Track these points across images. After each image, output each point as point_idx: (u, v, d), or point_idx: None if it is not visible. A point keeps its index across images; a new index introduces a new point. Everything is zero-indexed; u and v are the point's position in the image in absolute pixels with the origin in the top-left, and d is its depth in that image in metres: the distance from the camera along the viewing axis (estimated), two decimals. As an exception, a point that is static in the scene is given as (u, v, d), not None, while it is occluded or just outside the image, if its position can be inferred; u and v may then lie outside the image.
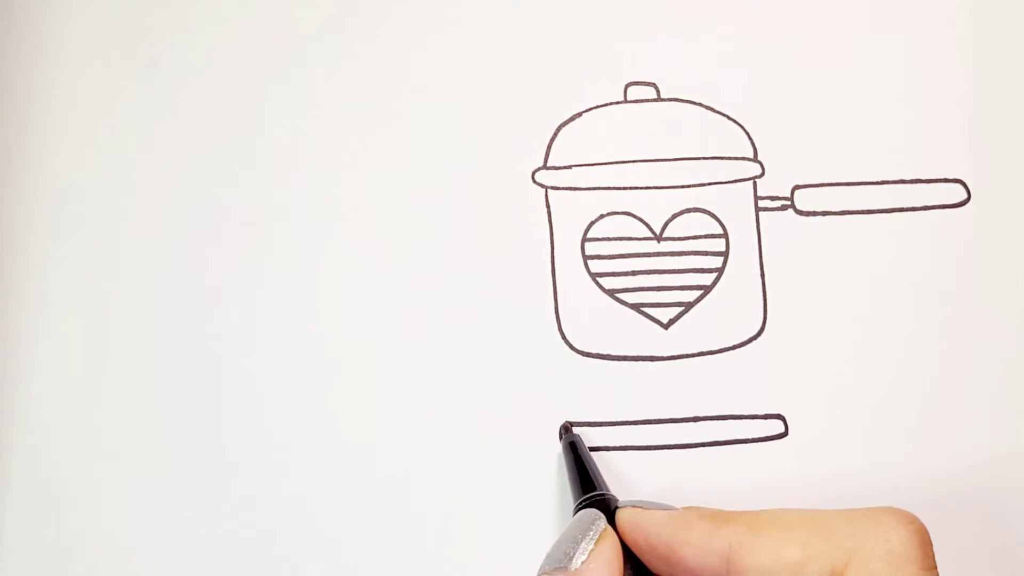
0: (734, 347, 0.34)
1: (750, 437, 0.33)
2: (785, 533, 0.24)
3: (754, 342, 0.34)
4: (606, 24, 0.35)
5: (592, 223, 0.34)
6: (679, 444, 0.33)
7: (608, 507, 0.29)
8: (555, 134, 0.35)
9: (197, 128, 0.35)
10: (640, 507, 0.27)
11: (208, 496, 0.33)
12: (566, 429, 0.33)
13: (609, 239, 0.34)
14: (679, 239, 0.34)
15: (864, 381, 0.33)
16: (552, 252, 0.34)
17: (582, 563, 0.26)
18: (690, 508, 0.27)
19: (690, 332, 0.34)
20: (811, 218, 0.34)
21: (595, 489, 0.30)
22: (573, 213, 0.34)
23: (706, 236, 0.34)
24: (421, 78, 0.35)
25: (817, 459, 0.33)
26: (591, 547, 0.26)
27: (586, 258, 0.34)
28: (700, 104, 0.35)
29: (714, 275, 0.34)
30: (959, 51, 0.35)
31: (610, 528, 0.27)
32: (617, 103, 0.35)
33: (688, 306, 0.34)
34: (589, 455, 0.31)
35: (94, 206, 0.34)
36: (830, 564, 0.23)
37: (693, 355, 0.33)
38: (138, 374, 0.33)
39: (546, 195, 0.34)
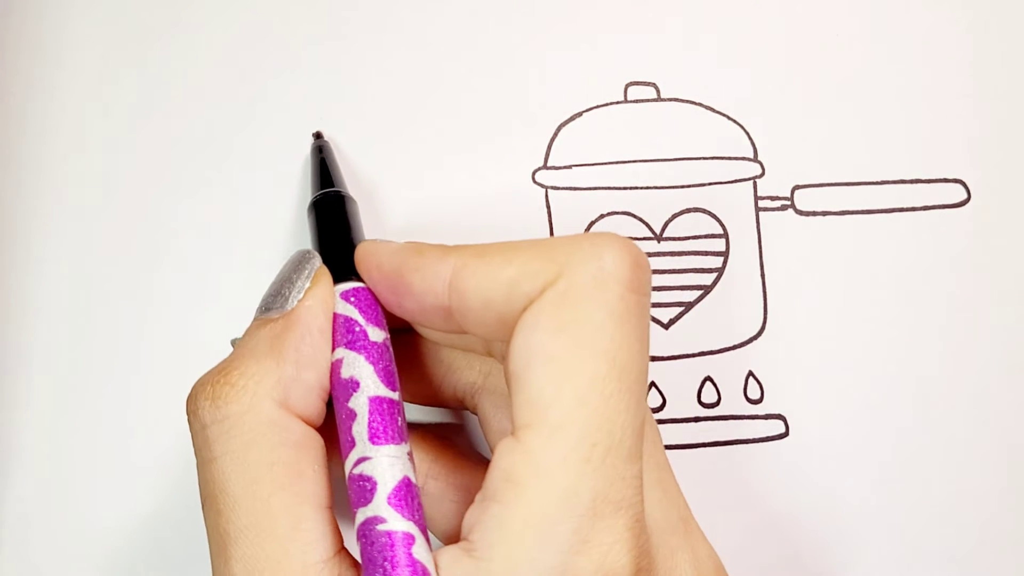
0: (734, 347, 0.34)
1: (750, 437, 0.33)
2: (506, 255, 0.24)
3: (754, 342, 0.34)
4: (606, 24, 0.35)
5: (592, 223, 0.34)
6: (679, 444, 0.33)
7: (343, 204, 0.29)
8: (555, 134, 0.35)
9: (196, 126, 0.35)
10: (380, 241, 0.27)
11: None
12: (317, 136, 0.33)
13: (609, 239, 0.34)
14: (679, 239, 0.34)
15: (864, 381, 0.33)
16: (552, 252, 0.34)
17: (298, 302, 0.25)
18: (427, 243, 0.27)
19: (690, 332, 0.34)
20: (811, 218, 0.34)
21: (333, 186, 0.30)
22: (573, 213, 0.34)
23: (706, 236, 0.34)
24: (420, 77, 0.35)
25: (817, 459, 0.33)
26: (307, 285, 0.26)
27: (586, 258, 0.34)
28: (700, 104, 0.35)
29: (714, 275, 0.34)
30: (959, 51, 0.35)
31: (324, 266, 0.27)
32: (617, 103, 0.35)
33: (688, 306, 0.34)
34: (336, 161, 0.32)
35: (93, 205, 0.34)
36: (543, 279, 0.23)
37: (693, 355, 0.33)
38: (139, 373, 0.33)
39: (546, 195, 0.34)
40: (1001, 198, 0.34)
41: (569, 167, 0.34)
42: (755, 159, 0.35)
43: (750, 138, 0.35)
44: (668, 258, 0.34)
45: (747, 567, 0.29)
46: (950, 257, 0.34)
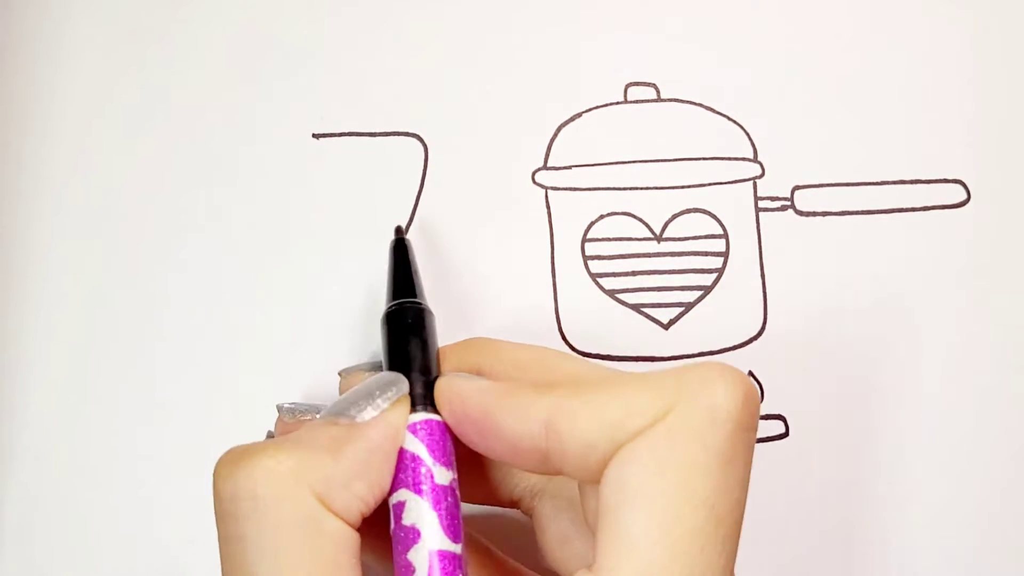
0: (734, 347, 0.34)
1: (750, 437, 0.33)
2: (607, 391, 0.23)
3: (754, 342, 0.34)
4: (606, 25, 0.35)
5: (592, 223, 0.34)
6: (679, 444, 0.33)
7: (423, 319, 0.27)
8: (555, 134, 0.35)
9: (196, 126, 0.35)
10: (465, 376, 0.26)
11: (209, 496, 0.32)
12: (398, 231, 0.31)
13: (609, 239, 0.34)
14: (679, 239, 0.34)
15: (864, 381, 0.33)
16: (552, 252, 0.34)
17: (371, 419, 0.24)
18: (516, 380, 0.25)
19: (690, 332, 0.34)
20: (811, 218, 0.34)
21: (413, 295, 0.28)
22: (573, 213, 0.34)
23: (706, 236, 0.34)
24: (421, 78, 0.35)
25: (817, 459, 0.33)
26: (385, 406, 0.25)
27: (586, 258, 0.34)
28: (700, 104, 0.35)
29: (714, 275, 0.34)
30: (959, 51, 0.35)
31: (408, 396, 0.25)
32: (617, 103, 0.35)
33: (688, 306, 0.34)
34: (415, 263, 0.29)
35: (94, 205, 0.34)
36: (652, 415, 0.22)
37: (693, 355, 0.33)
38: (139, 373, 0.33)
39: (546, 195, 0.34)
40: (1001, 198, 0.34)
41: (569, 167, 0.34)
42: (755, 159, 0.35)
43: (750, 138, 0.35)
44: (668, 258, 0.34)
45: (747, 568, 0.29)
46: (950, 257, 0.34)
